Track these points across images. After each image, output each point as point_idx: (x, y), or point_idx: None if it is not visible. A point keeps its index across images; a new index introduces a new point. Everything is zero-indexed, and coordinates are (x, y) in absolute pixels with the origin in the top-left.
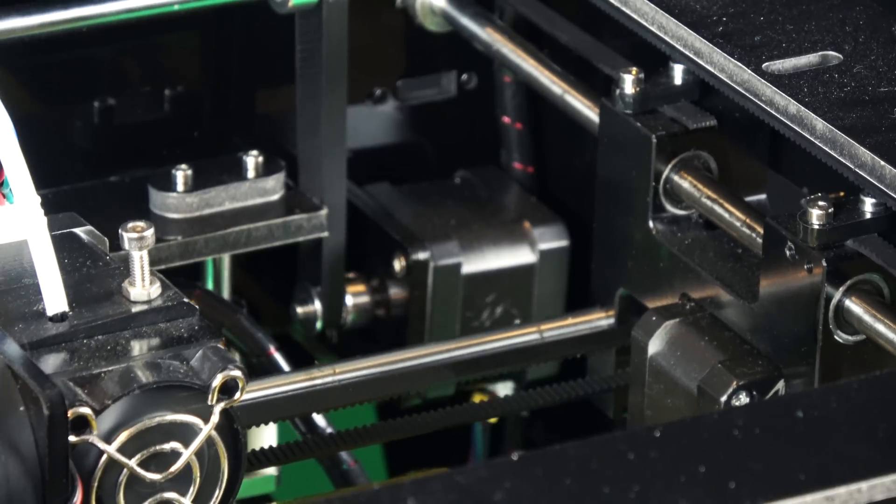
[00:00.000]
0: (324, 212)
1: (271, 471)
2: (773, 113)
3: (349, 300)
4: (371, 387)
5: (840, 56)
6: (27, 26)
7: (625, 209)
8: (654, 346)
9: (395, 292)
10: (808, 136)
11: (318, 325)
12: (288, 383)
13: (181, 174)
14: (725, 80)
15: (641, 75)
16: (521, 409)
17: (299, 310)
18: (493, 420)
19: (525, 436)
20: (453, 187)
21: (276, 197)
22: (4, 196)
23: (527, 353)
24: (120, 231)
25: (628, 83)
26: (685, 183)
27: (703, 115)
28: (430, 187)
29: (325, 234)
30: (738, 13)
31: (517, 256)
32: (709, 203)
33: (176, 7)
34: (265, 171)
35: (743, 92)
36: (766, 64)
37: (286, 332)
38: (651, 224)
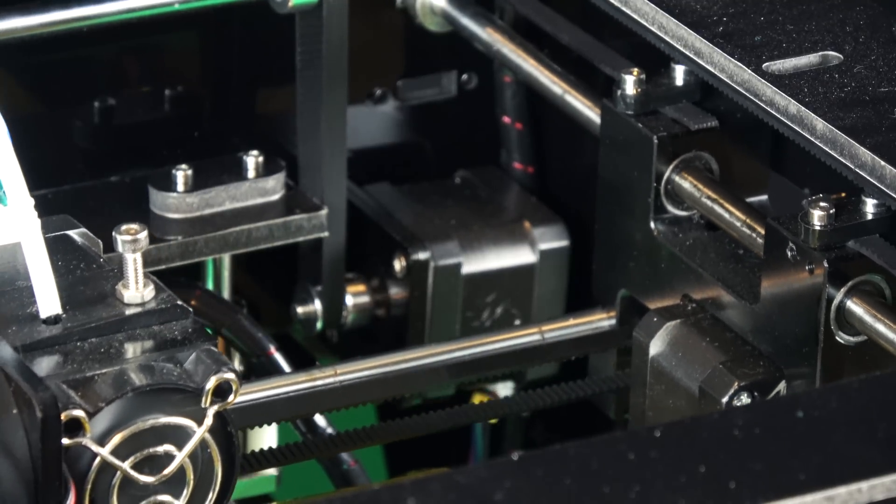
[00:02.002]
0: (324, 212)
1: (271, 471)
2: (774, 113)
3: (349, 300)
4: (372, 388)
5: (840, 56)
6: (27, 26)
7: (626, 210)
8: (656, 347)
9: (395, 292)
10: (809, 137)
11: (319, 325)
12: (289, 384)
13: (181, 174)
14: (726, 80)
15: (643, 76)
16: (521, 411)
17: (299, 310)
18: (493, 420)
19: (525, 436)
20: (453, 187)
21: (276, 197)
22: None
23: (528, 354)
24: (114, 233)
25: (629, 84)
26: (686, 184)
27: (704, 115)
28: (430, 187)
29: (325, 234)
30: (739, 13)
31: (517, 256)
32: (710, 204)
33: (176, 7)
34: (265, 171)
35: (743, 92)
36: (767, 64)
37: (286, 332)
38: (652, 225)
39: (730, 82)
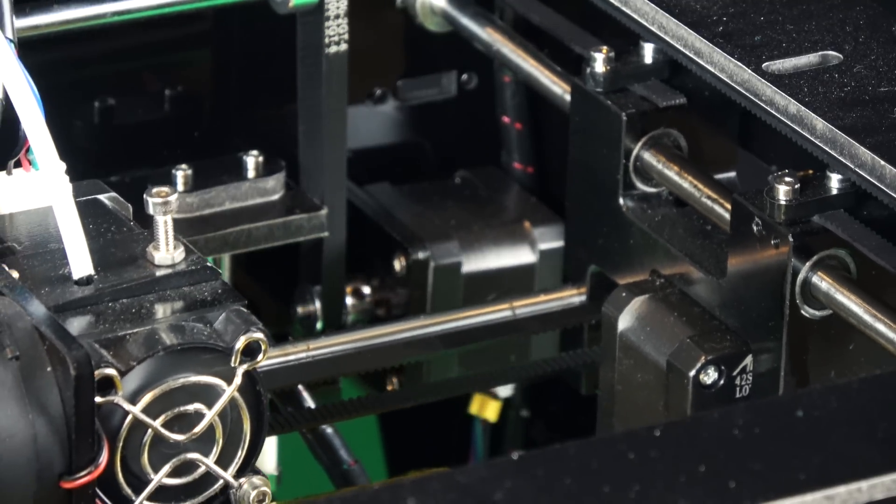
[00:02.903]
0: (324, 212)
1: (272, 470)
2: (774, 113)
3: (349, 300)
4: (344, 362)
5: (840, 56)
6: (28, 26)
7: (596, 187)
8: (624, 321)
9: (395, 292)
10: (808, 136)
11: (319, 325)
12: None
13: (181, 174)
14: (725, 80)
15: (612, 54)
16: (495, 385)
17: (299, 310)
18: (493, 420)
19: (525, 436)
20: (453, 187)
21: (276, 197)
22: (30, 163)
23: (499, 329)
24: (145, 196)
25: (599, 62)
26: (655, 160)
27: (672, 93)
28: (430, 187)
29: (325, 234)
30: (738, 13)
31: (517, 256)
32: (678, 180)
33: (176, 7)
34: (265, 171)
35: (743, 92)
36: (766, 64)
37: (286, 332)
38: (621, 201)
39: (730, 82)
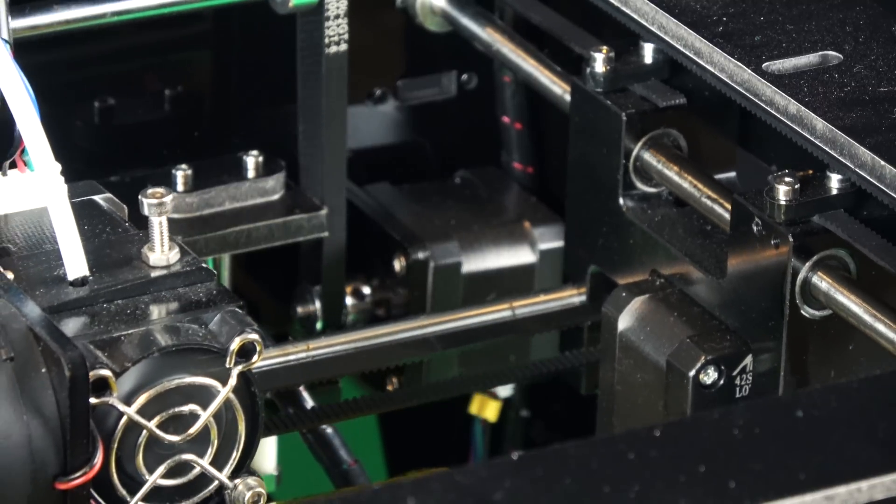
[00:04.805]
0: (324, 212)
1: (271, 470)
2: (774, 113)
3: (349, 300)
4: (344, 362)
5: (840, 56)
6: (28, 26)
7: (596, 187)
8: (624, 321)
9: (395, 292)
10: (808, 136)
11: (319, 325)
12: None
13: (181, 174)
14: (725, 80)
15: (612, 54)
16: (494, 385)
17: (299, 310)
18: (493, 420)
19: (525, 436)
20: (453, 187)
21: (276, 197)
22: (25, 164)
23: (499, 329)
24: (140, 197)
25: (599, 62)
26: (655, 161)
27: (672, 93)
28: (430, 187)
29: (325, 234)
30: (738, 13)
31: (517, 256)
32: (678, 180)
33: (176, 7)
34: (265, 171)
35: (743, 92)
36: (766, 64)
37: (286, 332)
38: (621, 201)
39: (729, 82)
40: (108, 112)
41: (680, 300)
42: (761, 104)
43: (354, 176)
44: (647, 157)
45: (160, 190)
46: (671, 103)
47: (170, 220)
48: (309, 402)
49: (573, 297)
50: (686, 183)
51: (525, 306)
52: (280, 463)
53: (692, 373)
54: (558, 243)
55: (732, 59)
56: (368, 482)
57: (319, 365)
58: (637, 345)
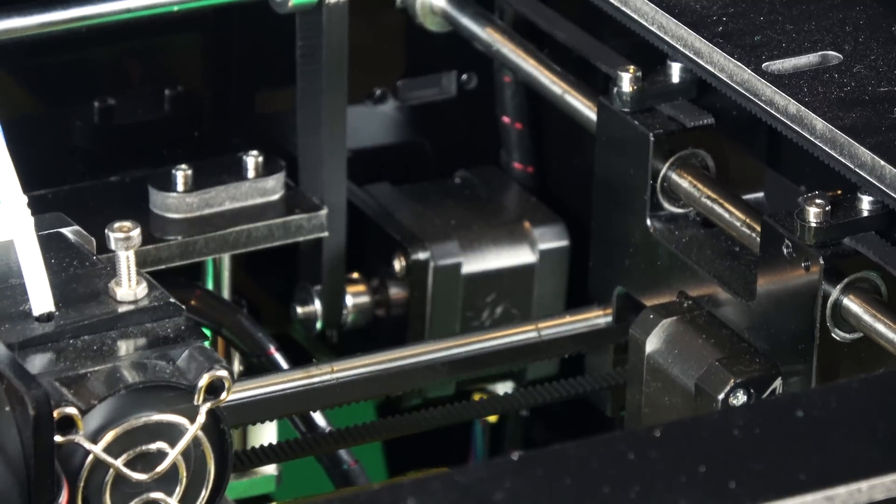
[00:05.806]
0: (324, 212)
1: (271, 470)
2: (773, 113)
3: (349, 300)
4: (369, 385)
5: (840, 56)
6: (27, 26)
7: (622, 207)
8: (652, 344)
9: (395, 292)
10: (808, 136)
11: (318, 325)
12: (286, 381)
13: (181, 174)
14: (725, 80)
15: (639, 73)
16: (519, 407)
17: (299, 310)
18: (493, 420)
19: (525, 436)
20: (453, 187)
21: (276, 197)
22: None
23: (525, 351)
24: (106, 231)
25: (626, 81)
26: (683, 181)
27: (700, 113)
28: (430, 187)
29: (325, 234)
30: (738, 13)
31: (517, 256)
32: (706, 201)
33: (176, 7)
34: (265, 171)
35: (743, 92)
36: (766, 64)
37: (286, 332)
38: (649, 222)
39: (729, 82)
40: (108, 112)
41: (708, 322)
42: (761, 104)
43: (354, 176)
44: (675, 177)
45: (127, 224)
46: (699, 123)
47: (170, 220)
48: (321, 422)
49: (599, 318)
50: (714, 204)
51: (551, 327)
52: (280, 463)
53: (721, 396)
54: (558, 243)
55: (732, 59)
56: (368, 482)
57: (341, 388)
58: (665, 367)
